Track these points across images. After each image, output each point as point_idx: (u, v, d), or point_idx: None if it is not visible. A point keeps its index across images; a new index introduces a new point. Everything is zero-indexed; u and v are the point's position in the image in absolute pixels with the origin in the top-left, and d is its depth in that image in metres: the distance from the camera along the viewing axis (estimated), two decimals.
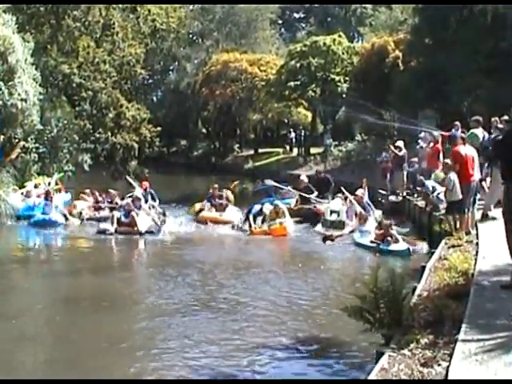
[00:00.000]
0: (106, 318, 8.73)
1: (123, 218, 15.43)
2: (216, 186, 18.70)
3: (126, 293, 10.21)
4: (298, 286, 10.30)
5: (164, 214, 16.85)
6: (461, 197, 10.44)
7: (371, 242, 13.03)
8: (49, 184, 19.01)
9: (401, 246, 12.41)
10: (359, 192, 16.15)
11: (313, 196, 17.97)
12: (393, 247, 12.41)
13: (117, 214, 15.56)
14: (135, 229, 15.06)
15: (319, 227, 15.87)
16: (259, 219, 16.23)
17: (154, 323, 8.39)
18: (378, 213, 16.01)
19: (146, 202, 17.38)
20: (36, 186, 18.97)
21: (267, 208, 16.44)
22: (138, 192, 17.37)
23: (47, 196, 17.19)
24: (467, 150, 10.83)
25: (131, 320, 8.67)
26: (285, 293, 9.83)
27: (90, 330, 8.17)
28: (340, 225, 15.56)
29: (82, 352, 7.38)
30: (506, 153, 6.75)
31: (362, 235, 13.90)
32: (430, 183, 14.17)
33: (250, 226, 15.78)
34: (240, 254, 13.93)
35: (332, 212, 16.15)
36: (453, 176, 10.47)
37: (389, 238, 12.52)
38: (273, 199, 17.34)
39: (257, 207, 16.58)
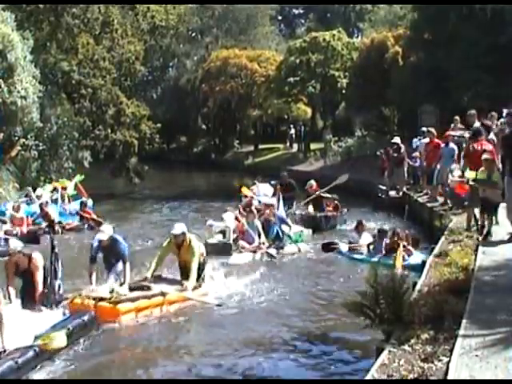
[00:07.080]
0: None
1: None
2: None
3: None
4: (297, 288, 10.22)
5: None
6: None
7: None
8: (64, 189, 17.49)
9: (416, 258, 10.18)
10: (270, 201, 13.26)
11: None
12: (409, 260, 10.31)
13: None
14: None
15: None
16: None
17: None
18: (298, 229, 13.39)
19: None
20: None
21: None
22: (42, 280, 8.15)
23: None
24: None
25: None
26: (283, 293, 9.67)
27: None
28: (225, 249, 11.83)
29: None
30: None
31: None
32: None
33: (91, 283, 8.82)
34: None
35: (217, 232, 12.53)
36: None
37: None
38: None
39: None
